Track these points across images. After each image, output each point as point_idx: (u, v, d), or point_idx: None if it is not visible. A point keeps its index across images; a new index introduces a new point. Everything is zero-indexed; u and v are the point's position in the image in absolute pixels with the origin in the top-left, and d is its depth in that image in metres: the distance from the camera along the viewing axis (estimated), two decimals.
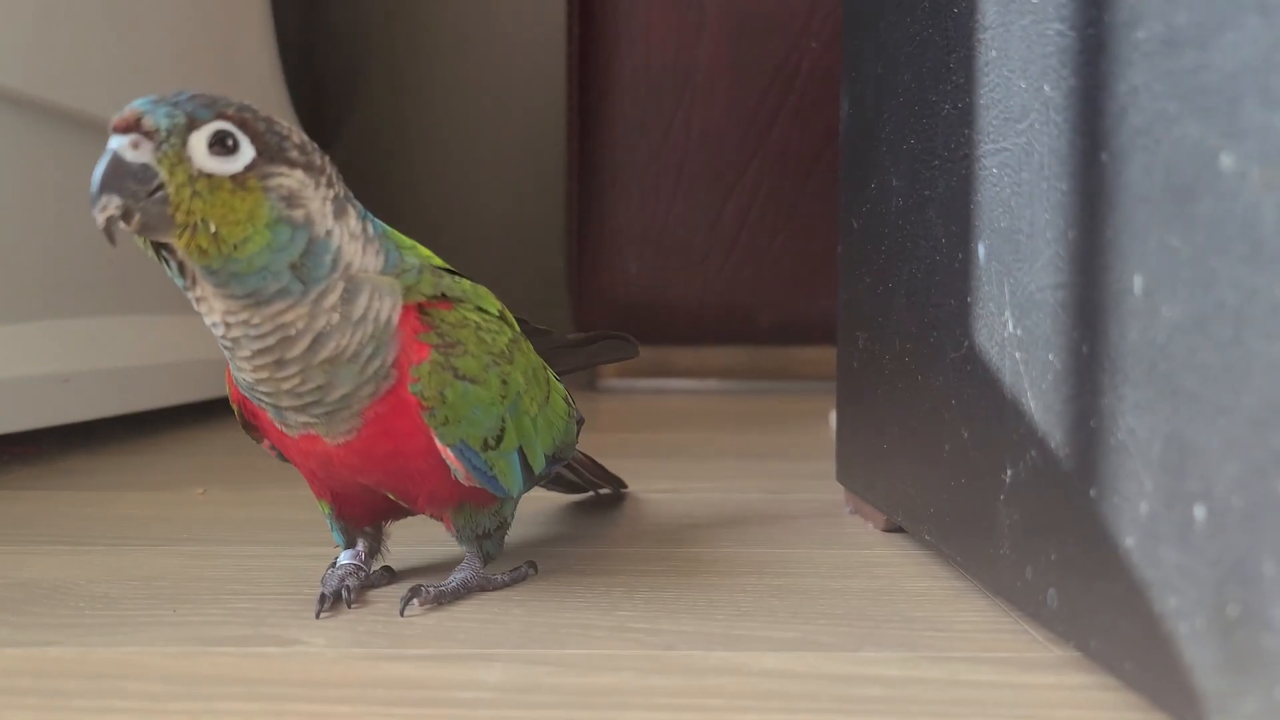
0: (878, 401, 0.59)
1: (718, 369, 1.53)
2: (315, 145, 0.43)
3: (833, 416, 0.79)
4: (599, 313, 1.47)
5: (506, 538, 0.52)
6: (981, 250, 0.45)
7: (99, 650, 0.41)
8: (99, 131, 1.02)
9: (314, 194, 0.42)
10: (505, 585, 0.50)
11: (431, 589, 0.47)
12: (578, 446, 0.60)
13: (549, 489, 0.66)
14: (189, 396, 1.08)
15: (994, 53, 0.44)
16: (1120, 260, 0.35)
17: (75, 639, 0.43)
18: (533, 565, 0.52)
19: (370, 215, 0.45)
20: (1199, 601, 0.31)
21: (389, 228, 0.47)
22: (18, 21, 0.83)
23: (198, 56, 1.14)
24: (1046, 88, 0.39)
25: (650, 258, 1.56)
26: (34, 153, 0.86)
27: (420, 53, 2.11)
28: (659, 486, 0.76)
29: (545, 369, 0.53)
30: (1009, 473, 0.43)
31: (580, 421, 0.57)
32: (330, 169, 0.43)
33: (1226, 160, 0.30)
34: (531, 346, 0.51)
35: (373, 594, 0.49)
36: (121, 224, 0.40)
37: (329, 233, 0.42)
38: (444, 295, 0.46)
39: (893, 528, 0.62)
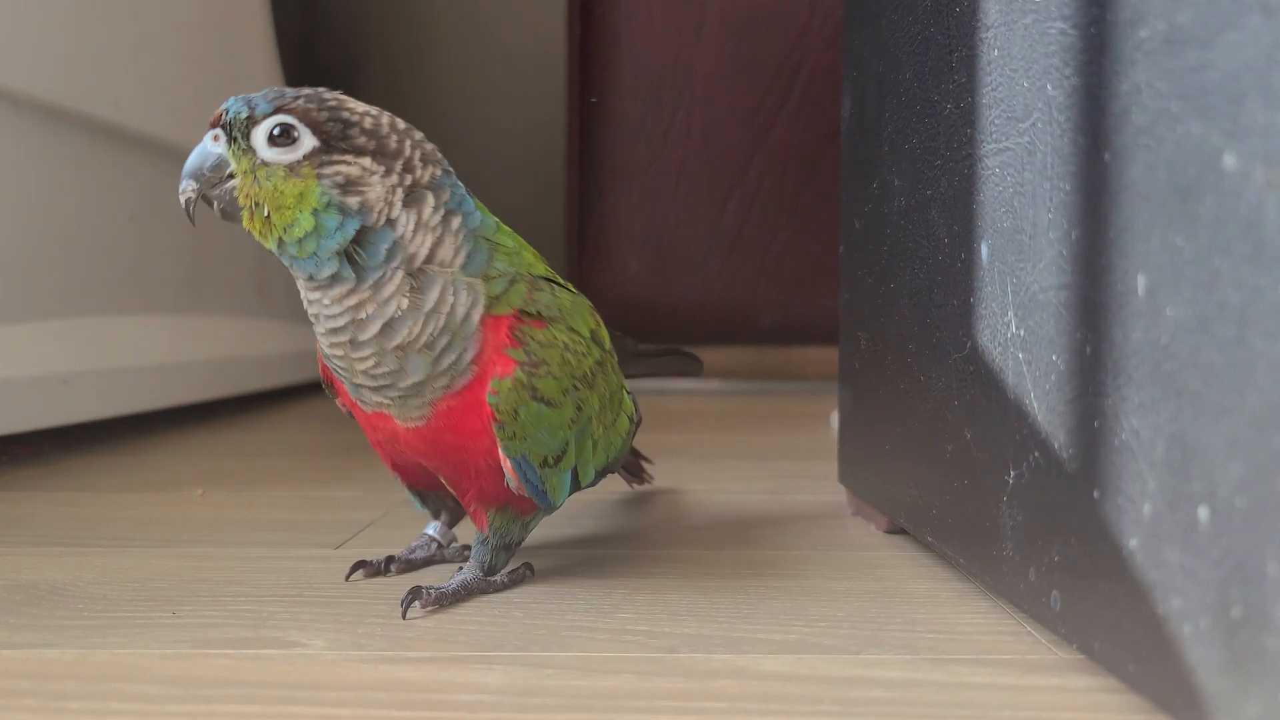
0: (880, 402, 0.59)
1: (719, 369, 1.53)
2: (406, 129, 0.44)
3: (834, 417, 0.79)
4: (599, 313, 1.47)
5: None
6: (984, 250, 0.45)
7: (98, 652, 0.41)
8: (99, 131, 1.03)
9: (377, 181, 0.43)
10: (505, 588, 0.50)
11: (433, 590, 0.47)
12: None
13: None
14: (188, 397, 1.08)
15: (996, 52, 0.44)
16: (1123, 260, 0.34)
17: (74, 641, 0.42)
18: (529, 567, 0.52)
19: (472, 210, 0.46)
20: (1202, 603, 0.31)
21: (502, 228, 0.47)
22: (17, 22, 0.82)
23: (198, 55, 1.14)
24: (1049, 87, 0.39)
25: (650, 258, 1.56)
26: (34, 153, 0.86)
27: (420, 52, 2.10)
28: (660, 487, 0.76)
29: (623, 389, 0.54)
30: (1012, 474, 0.43)
31: (637, 424, 0.58)
32: (415, 154, 0.44)
33: (1229, 160, 0.29)
34: (616, 364, 0.52)
35: (372, 595, 0.49)
36: (214, 208, 0.44)
37: (390, 221, 0.43)
38: (539, 313, 0.46)
39: (895, 529, 0.61)
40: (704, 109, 1.56)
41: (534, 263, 0.48)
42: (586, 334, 0.49)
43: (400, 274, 0.43)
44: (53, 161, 0.89)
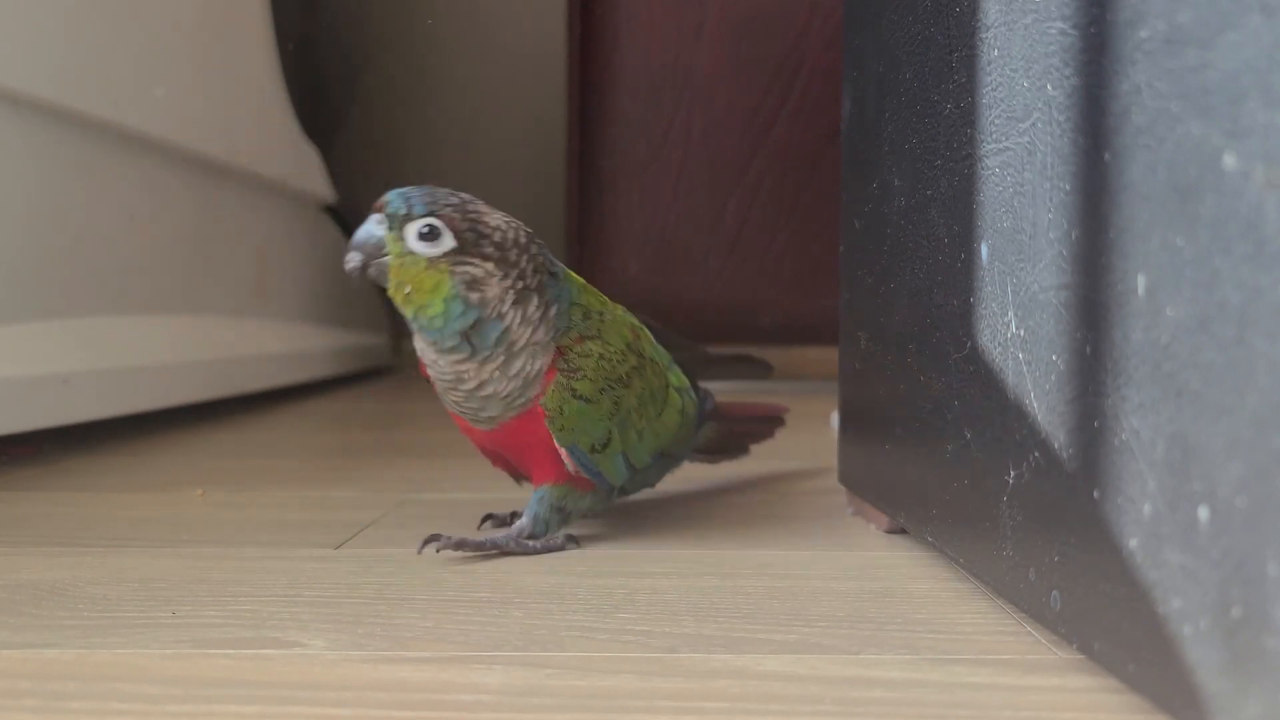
0: (880, 402, 0.59)
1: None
2: (527, 244, 0.55)
3: (834, 417, 0.79)
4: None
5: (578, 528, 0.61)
6: (984, 250, 0.45)
7: (97, 652, 0.41)
8: (100, 131, 1.03)
9: (496, 284, 0.53)
10: (535, 551, 0.56)
11: (454, 536, 0.55)
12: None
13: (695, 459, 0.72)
14: (188, 397, 1.08)
15: (996, 52, 0.44)
16: (1123, 260, 0.34)
17: (73, 641, 0.42)
18: (573, 539, 0.59)
19: (564, 293, 0.56)
20: (1202, 603, 0.31)
21: (583, 287, 0.58)
22: (18, 22, 0.82)
23: (198, 55, 1.14)
24: (1049, 87, 0.39)
25: (650, 258, 1.56)
26: (34, 153, 0.86)
27: (420, 53, 2.10)
28: (660, 487, 0.76)
29: (666, 389, 0.62)
30: (1012, 474, 0.43)
31: (704, 416, 0.67)
32: (528, 264, 0.54)
33: (1229, 160, 0.29)
34: (659, 368, 0.61)
35: (371, 595, 0.49)
36: (368, 272, 0.54)
37: (500, 315, 0.54)
38: (580, 334, 0.56)
39: (895, 529, 0.61)
40: (704, 109, 1.56)
41: (584, 290, 0.59)
42: (622, 345, 0.58)
43: (502, 355, 0.54)
44: (53, 161, 0.89)
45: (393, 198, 0.53)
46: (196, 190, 1.15)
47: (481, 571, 0.53)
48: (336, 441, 1.09)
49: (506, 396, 0.55)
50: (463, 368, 0.54)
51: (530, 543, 0.57)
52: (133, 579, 0.52)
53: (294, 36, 1.44)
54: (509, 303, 0.54)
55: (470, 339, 0.54)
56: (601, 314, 0.58)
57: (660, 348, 0.63)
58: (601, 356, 0.56)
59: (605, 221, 1.56)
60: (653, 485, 0.66)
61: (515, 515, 0.62)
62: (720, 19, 1.54)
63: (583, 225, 1.55)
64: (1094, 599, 0.37)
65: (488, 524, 0.62)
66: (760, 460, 0.75)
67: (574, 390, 0.55)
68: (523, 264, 0.54)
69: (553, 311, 0.55)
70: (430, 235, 0.53)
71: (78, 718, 0.35)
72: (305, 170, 1.46)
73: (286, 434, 1.09)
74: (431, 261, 0.53)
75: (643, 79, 1.56)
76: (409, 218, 0.53)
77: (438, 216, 0.53)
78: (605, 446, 0.57)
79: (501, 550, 0.56)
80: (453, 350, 0.54)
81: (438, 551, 0.54)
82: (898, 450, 0.56)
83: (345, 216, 1.59)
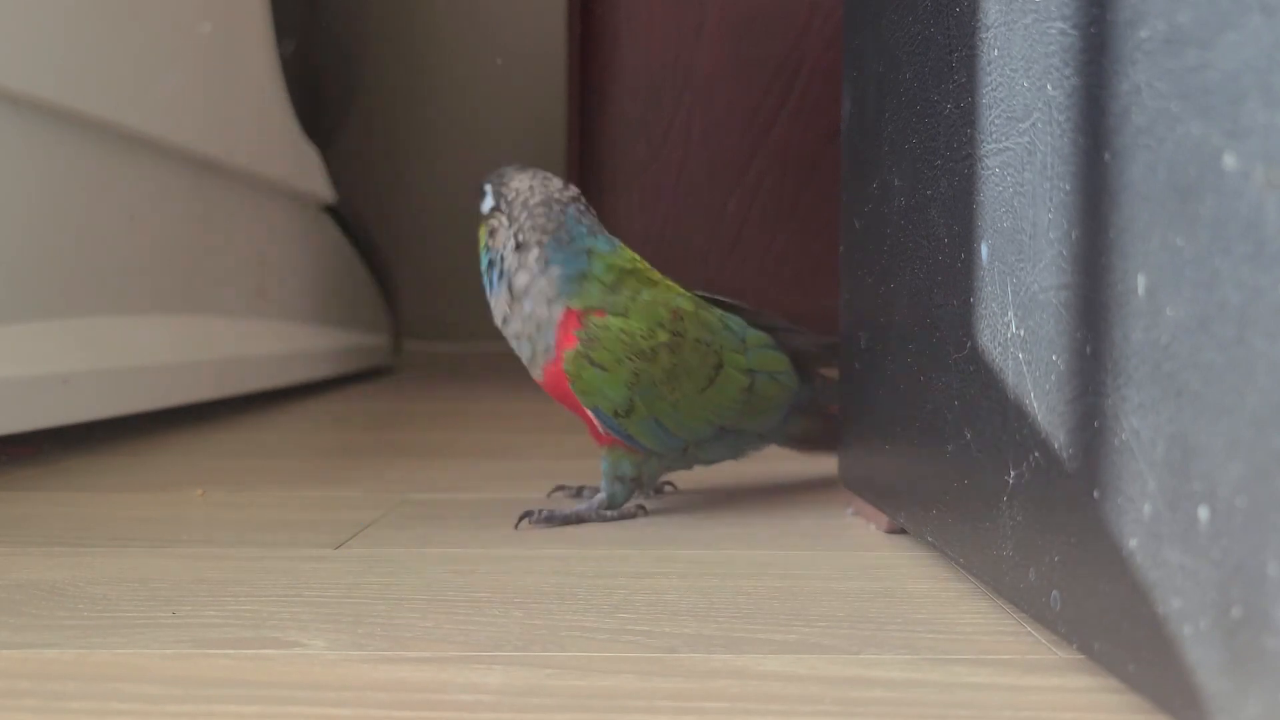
0: (880, 402, 0.59)
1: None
2: (535, 206, 0.65)
3: None
4: None
5: (649, 497, 0.70)
6: (984, 250, 0.45)
7: (97, 652, 0.41)
8: (100, 131, 1.03)
9: (505, 234, 0.65)
10: (611, 519, 0.65)
11: (544, 510, 0.63)
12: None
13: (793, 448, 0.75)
14: (189, 398, 1.08)
15: (996, 52, 0.44)
16: (1123, 260, 0.34)
17: (73, 640, 0.42)
18: (642, 508, 0.67)
19: (571, 263, 0.64)
20: (1202, 603, 0.31)
21: (612, 266, 0.65)
22: (18, 22, 0.82)
23: (198, 55, 1.14)
24: (1049, 87, 0.39)
25: (650, 257, 1.56)
26: (35, 153, 0.86)
27: (420, 53, 2.10)
28: (658, 486, 0.76)
29: (718, 367, 0.66)
30: (1012, 474, 0.43)
31: (800, 405, 0.71)
32: (527, 221, 0.64)
33: (1229, 159, 0.29)
34: (708, 348, 0.66)
35: (372, 595, 0.49)
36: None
37: (502, 258, 0.65)
38: (605, 309, 0.63)
39: (895, 529, 0.61)
40: (704, 109, 1.56)
41: (630, 265, 0.66)
42: (651, 324, 0.64)
43: (506, 291, 0.64)
44: (54, 162, 0.89)
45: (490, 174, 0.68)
46: (197, 190, 1.15)
47: (481, 572, 0.53)
48: (336, 441, 1.09)
49: (530, 338, 0.64)
50: (493, 304, 0.66)
51: (607, 513, 0.65)
52: (133, 579, 0.52)
53: (294, 37, 1.44)
54: (510, 249, 0.64)
55: (490, 277, 0.65)
56: (638, 293, 0.65)
57: (736, 329, 0.69)
58: (622, 331, 0.63)
59: (605, 222, 1.56)
60: (736, 458, 0.71)
61: (585, 488, 0.72)
62: (720, 19, 1.54)
63: None
64: (1094, 599, 0.37)
65: (558, 494, 0.72)
66: (760, 460, 0.75)
67: (590, 358, 0.63)
68: (522, 219, 0.64)
69: (555, 271, 0.63)
70: (482, 197, 0.67)
71: (78, 718, 0.35)
72: (305, 170, 1.46)
73: (286, 434, 1.09)
74: (483, 217, 0.67)
75: (643, 79, 1.56)
76: (483, 187, 0.68)
77: (489, 184, 0.67)
78: (630, 413, 0.63)
79: (581, 518, 0.64)
80: (488, 290, 0.66)
81: (531, 524, 0.62)
82: (898, 450, 0.56)
83: (345, 216, 1.59)
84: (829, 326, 0.73)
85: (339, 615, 0.46)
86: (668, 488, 0.75)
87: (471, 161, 2.08)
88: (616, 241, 0.68)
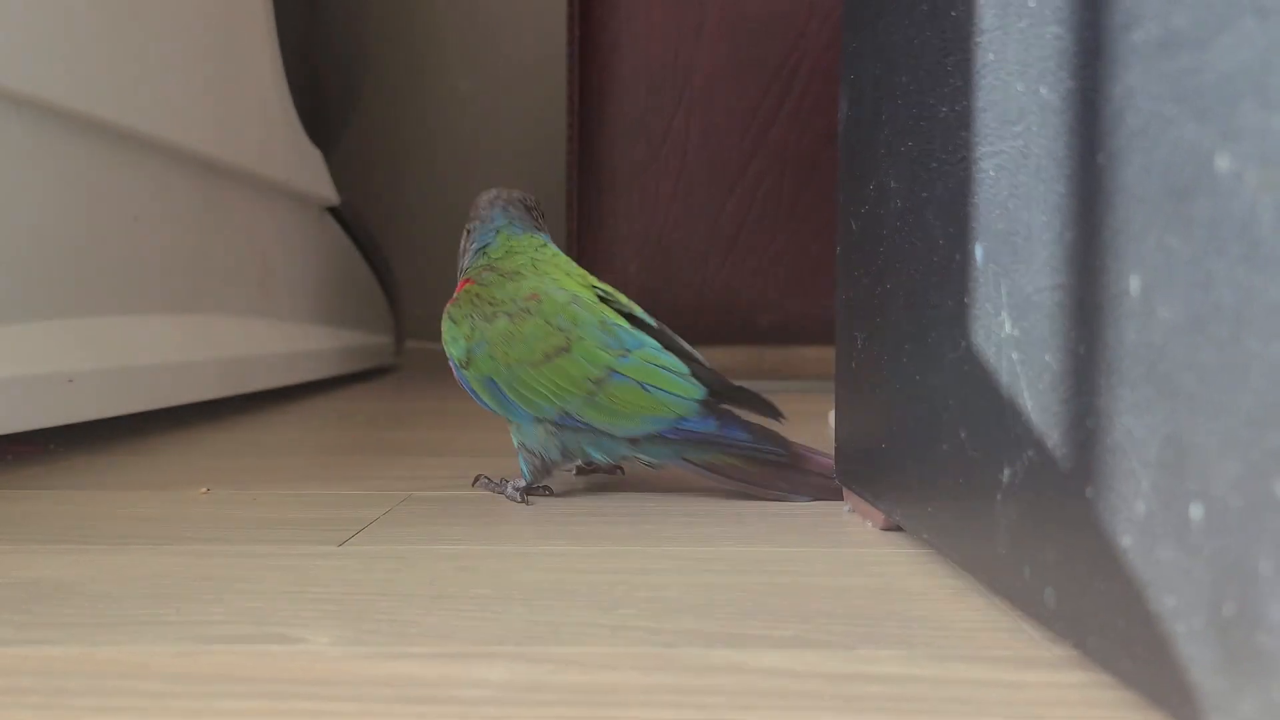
0: (876, 401, 0.59)
1: (717, 369, 1.53)
2: (479, 209, 0.77)
3: (832, 416, 0.79)
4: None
5: (553, 479, 0.74)
6: (979, 251, 0.45)
7: (102, 649, 0.42)
8: (103, 132, 1.03)
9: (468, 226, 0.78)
10: (509, 498, 0.71)
11: (488, 478, 0.74)
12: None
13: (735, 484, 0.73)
14: (192, 396, 1.08)
15: (991, 55, 0.44)
16: (1117, 261, 0.35)
17: (78, 638, 0.43)
18: (548, 489, 0.73)
19: (483, 248, 0.76)
20: (1196, 600, 0.31)
21: (514, 240, 0.76)
22: (18, 22, 0.83)
23: (200, 56, 1.14)
24: (1044, 90, 0.40)
25: (650, 258, 1.56)
26: (38, 154, 0.86)
27: (421, 55, 2.11)
28: (660, 487, 0.76)
29: (563, 350, 0.70)
30: (1006, 472, 0.43)
31: (700, 439, 0.70)
32: (476, 217, 0.77)
33: (1223, 161, 0.30)
34: (557, 333, 0.70)
35: (375, 591, 0.49)
36: None
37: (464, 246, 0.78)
38: (479, 282, 0.73)
39: (891, 527, 0.62)
40: (704, 109, 1.56)
41: (521, 271, 0.73)
42: (504, 298, 0.72)
43: (461, 270, 0.77)
44: (57, 163, 0.89)
45: None
46: (201, 192, 1.16)
47: (484, 568, 0.54)
48: (340, 440, 1.09)
49: None
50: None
51: (513, 492, 0.72)
52: (137, 576, 0.52)
53: (296, 37, 1.44)
54: (463, 240, 0.78)
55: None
56: (516, 275, 0.73)
57: (623, 336, 0.71)
58: (476, 295, 0.72)
59: (605, 222, 1.56)
60: (613, 460, 0.73)
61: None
62: (720, 20, 1.55)
63: (582, 226, 1.56)
64: (1088, 596, 0.37)
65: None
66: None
67: (449, 313, 0.73)
68: (472, 215, 0.77)
69: (472, 248, 0.76)
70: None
71: (81, 715, 0.36)
72: (309, 172, 1.47)
73: (290, 433, 1.09)
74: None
75: (643, 80, 1.56)
76: None
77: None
78: (469, 365, 0.72)
79: (498, 490, 0.73)
80: None
81: (479, 487, 0.74)
82: (894, 449, 0.56)
83: (347, 217, 1.59)
84: (826, 327, 0.73)
85: (342, 611, 0.46)
86: (618, 472, 0.80)
87: (472, 163, 2.08)
88: (543, 237, 0.76)
